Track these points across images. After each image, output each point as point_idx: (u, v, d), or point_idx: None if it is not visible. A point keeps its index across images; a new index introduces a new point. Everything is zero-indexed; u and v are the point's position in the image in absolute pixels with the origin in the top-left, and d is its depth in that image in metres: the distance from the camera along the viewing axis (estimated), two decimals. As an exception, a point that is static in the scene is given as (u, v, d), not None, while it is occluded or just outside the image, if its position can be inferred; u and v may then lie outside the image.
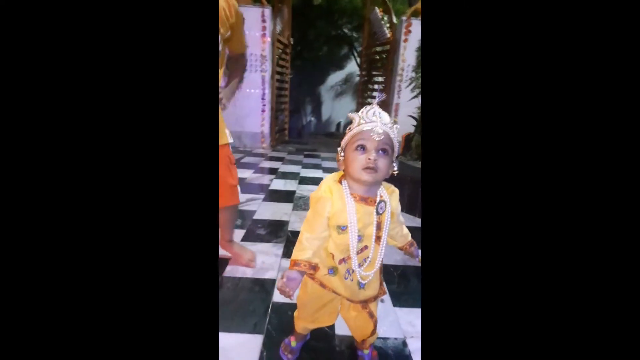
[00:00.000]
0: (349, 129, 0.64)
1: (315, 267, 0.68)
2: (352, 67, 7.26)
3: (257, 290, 1.16)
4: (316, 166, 3.26)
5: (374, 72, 4.71)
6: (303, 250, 0.67)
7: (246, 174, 2.77)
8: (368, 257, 0.68)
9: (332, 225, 0.67)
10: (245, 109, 3.81)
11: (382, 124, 0.61)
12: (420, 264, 0.75)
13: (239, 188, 1.19)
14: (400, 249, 0.78)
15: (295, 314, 0.86)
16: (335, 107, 7.89)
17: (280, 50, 4.11)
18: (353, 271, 0.68)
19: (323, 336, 0.95)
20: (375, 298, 0.75)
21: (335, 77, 7.64)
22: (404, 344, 0.95)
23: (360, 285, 0.71)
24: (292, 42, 4.47)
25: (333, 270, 0.71)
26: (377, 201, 0.65)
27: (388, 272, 1.34)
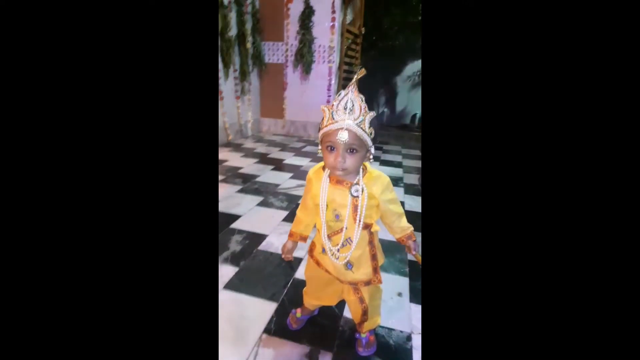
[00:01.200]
0: (320, 127, 0.65)
1: (306, 239, 0.78)
2: (432, 55, 6.75)
3: (283, 266, 1.27)
4: (374, 158, 3.22)
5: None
6: (297, 224, 0.80)
7: (304, 161, 2.93)
8: (341, 240, 0.71)
9: (315, 204, 0.72)
10: (312, 100, 3.97)
11: (350, 120, 0.60)
12: (414, 259, 0.73)
13: None
14: (398, 240, 0.78)
15: (304, 289, 0.94)
16: (411, 99, 7.49)
17: (349, 41, 4.11)
18: (338, 250, 0.72)
19: (330, 315, 1.01)
20: (366, 283, 0.77)
21: (414, 67, 7.23)
22: (408, 338, 0.94)
23: (348, 267, 0.74)
24: (363, 32, 4.42)
25: (325, 249, 0.76)
26: (353, 184, 0.68)
27: (417, 270, 1.30)
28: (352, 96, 0.61)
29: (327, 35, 3.69)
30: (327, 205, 0.70)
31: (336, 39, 3.73)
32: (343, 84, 4.16)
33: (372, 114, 0.63)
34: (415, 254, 0.76)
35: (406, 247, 0.78)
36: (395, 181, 2.48)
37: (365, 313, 0.82)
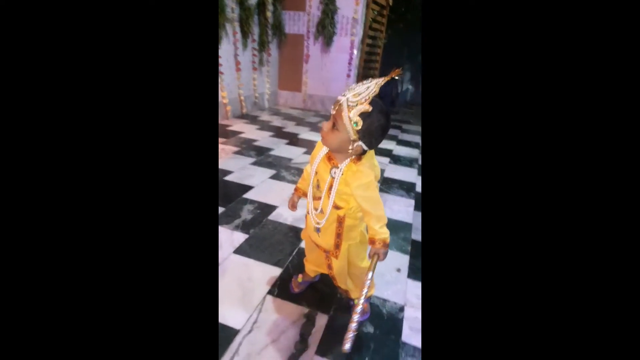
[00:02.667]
0: None
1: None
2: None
3: (290, 235, 1.34)
4: (392, 138, 3.18)
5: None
6: (301, 180, 0.88)
7: (318, 137, 2.92)
8: (319, 207, 0.77)
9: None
10: (332, 73, 3.89)
11: (348, 96, 0.62)
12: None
13: None
14: (369, 237, 0.75)
15: (305, 257, 1.01)
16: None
17: (375, 13, 3.93)
18: (312, 210, 0.80)
19: (329, 283, 1.07)
20: (326, 252, 0.85)
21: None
22: (401, 309, 1.00)
23: (316, 229, 0.81)
24: (391, 3, 4.19)
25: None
26: (337, 165, 0.72)
27: (417, 248, 1.34)
28: (372, 84, 0.62)
29: (351, 5, 3.54)
30: (315, 172, 0.76)
31: (360, 10, 3.57)
32: (366, 57, 4.03)
33: (365, 107, 0.61)
34: (371, 260, 0.73)
35: (370, 249, 0.75)
36: (410, 162, 2.47)
37: (334, 278, 0.90)
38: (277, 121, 3.39)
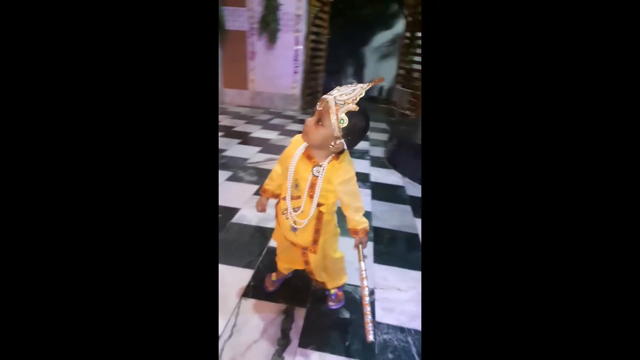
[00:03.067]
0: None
1: (277, 196, 0.83)
2: (401, 27, 6.74)
3: (257, 236, 1.33)
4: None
5: (419, 34, 4.38)
6: (269, 181, 0.87)
7: (272, 135, 2.92)
8: (300, 207, 0.78)
9: (285, 167, 0.79)
10: (278, 70, 3.87)
11: (335, 94, 0.65)
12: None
13: None
14: (350, 229, 0.83)
15: (276, 256, 1.02)
16: (379, 69, 7.47)
17: (317, 9, 3.98)
18: (292, 211, 0.79)
19: (303, 277, 1.10)
20: (304, 249, 0.86)
21: (382, 38, 7.16)
22: (372, 293, 1.07)
23: (293, 229, 0.82)
24: None
25: (285, 211, 0.83)
26: (318, 164, 0.75)
27: (380, 234, 1.44)
28: (357, 87, 0.66)
29: (293, 2, 3.54)
30: (293, 172, 0.77)
31: (303, 6, 3.60)
32: (312, 54, 4.08)
33: (352, 107, 0.65)
34: (358, 250, 0.81)
35: (355, 240, 0.82)
36: (362, 154, 2.59)
37: (311, 273, 0.93)
38: (225, 120, 3.28)
